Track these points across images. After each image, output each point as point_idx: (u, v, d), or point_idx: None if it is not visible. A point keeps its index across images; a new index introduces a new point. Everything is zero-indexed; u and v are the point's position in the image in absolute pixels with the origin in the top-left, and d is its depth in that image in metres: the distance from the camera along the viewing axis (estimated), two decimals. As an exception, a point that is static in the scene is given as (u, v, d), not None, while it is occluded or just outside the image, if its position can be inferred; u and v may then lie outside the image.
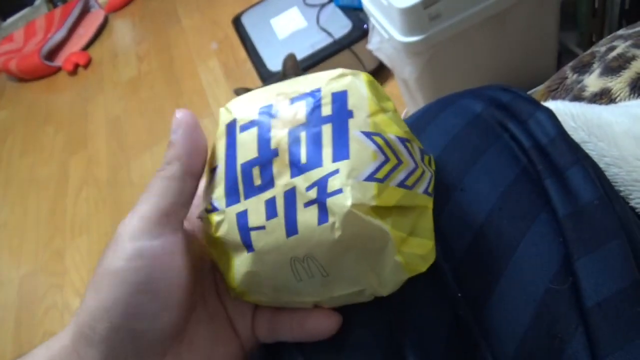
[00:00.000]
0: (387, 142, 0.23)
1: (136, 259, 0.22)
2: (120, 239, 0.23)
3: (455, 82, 0.95)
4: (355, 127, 0.23)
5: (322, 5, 1.32)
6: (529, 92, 0.52)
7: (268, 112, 0.24)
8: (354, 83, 0.24)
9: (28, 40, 2.09)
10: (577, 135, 0.32)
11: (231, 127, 0.25)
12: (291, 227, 0.22)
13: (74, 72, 1.98)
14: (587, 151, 0.31)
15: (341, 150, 0.22)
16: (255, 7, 1.48)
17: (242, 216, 0.23)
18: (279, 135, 0.23)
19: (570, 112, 0.33)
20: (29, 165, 1.70)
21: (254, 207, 0.23)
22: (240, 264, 0.23)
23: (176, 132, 0.24)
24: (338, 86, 0.24)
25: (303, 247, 0.22)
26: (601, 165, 0.30)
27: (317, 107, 0.23)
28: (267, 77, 1.22)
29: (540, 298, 0.24)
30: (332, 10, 1.31)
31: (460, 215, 0.26)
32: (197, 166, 0.25)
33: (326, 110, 0.23)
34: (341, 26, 1.25)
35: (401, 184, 0.23)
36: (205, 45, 1.77)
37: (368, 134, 0.23)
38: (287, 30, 1.33)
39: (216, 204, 0.24)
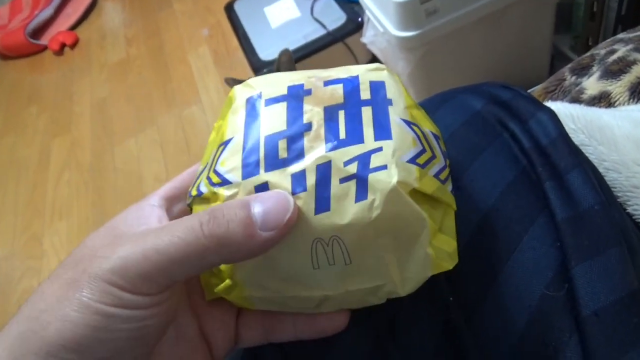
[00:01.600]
0: (424, 134, 0.23)
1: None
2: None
3: (448, 80, 0.95)
4: (395, 113, 0.22)
5: (317, -4, 1.30)
6: (524, 93, 0.51)
7: (300, 89, 0.23)
8: (391, 77, 0.24)
9: (14, 16, 2.03)
10: (577, 137, 0.31)
11: (253, 101, 0.23)
12: (322, 203, 0.20)
13: (60, 52, 1.93)
14: (586, 154, 0.30)
15: (383, 131, 0.21)
16: (249, -5, 1.45)
17: (261, 189, 0.21)
18: (313, 111, 0.22)
19: (570, 114, 0.32)
20: (10, 145, 1.66)
21: (277, 180, 0.20)
22: None
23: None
24: (376, 76, 0.23)
25: (332, 227, 0.20)
26: (600, 169, 0.30)
27: (355, 90, 0.23)
28: (259, 67, 1.20)
29: (535, 304, 0.23)
30: (327, 1, 1.29)
31: (457, 214, 0.25)
32: None
33: (365, 94, 0.23)
34: (335, 18, 1.23)
35: (436, 176, 0.22)
36: (196, 31, 1.74)
37: (408, 122, 0.22)
38: (281, 19, 1.31)
39: (229, 176, 0.21)
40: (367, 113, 0.22)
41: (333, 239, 0.20)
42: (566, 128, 0.31)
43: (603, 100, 0.39)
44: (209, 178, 0.22)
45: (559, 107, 0.33)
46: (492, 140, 0.27)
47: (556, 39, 1.00)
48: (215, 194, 0.21)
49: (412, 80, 0.93)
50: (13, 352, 0.18)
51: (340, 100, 0.22)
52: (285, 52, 1.05)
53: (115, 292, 0.18)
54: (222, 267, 0.22)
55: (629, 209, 0.29)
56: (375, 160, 0.20)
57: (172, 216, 0.24)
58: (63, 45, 1.93)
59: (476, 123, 0.28)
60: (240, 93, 0.24)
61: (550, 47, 0.99)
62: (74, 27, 2.01)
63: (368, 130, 0.21)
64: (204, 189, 0.22)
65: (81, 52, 1.91)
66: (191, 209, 0.24)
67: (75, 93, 1.74)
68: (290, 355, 0.25)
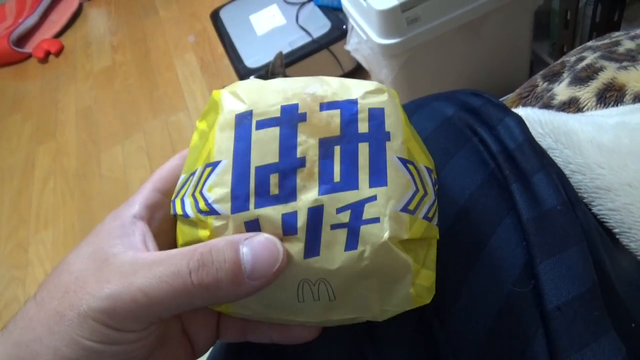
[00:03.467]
0: (418, 172, 0.23)
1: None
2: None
3: (431, 86, 0.96)
4: (392, 151, 0.22)
5: (302, 4, 1.32)
6: (501, 99, 0.53)
7: (294, 112, 0.22)
8: (391, 102, 0.23)
9: (-3, 24, 2.02)
10: (544, 141, 0.33)
11: (243, 120, 0.22)
12: (312, 249, 0.20)
13: (44, 59, 1.92)
14: (553, 158, 0.32)
15: (379, 176, 0.21)
16: (235, 2, 1.46)
17: (252, 226, 0.20)
18: (307, 144, 0.21)
19: (538, 119, 0.34)
20: (-6, 153, 1.64)
21: (268, 220, 0.20)
22: None
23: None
24: (375, 102, 0.22)
25: (320, 271, 0.20)
26: (566, 172, 0.31)
27: (353, 120, 0.22)
28: (245, 74, 1.21)
29: (503, 301, 0.24)
30: (312, 9, 1.31)
31: None
32: None
33: (363, 127, 0.22)
34: (320, 26, 1.25)
35: (425, 217, 0.22)
36: (182, 38, 1.74)
37: (404, 161, 0.22)
38: (266, 27, 1.32)
39: (217, 207, 0.21)
40: (364, 151, 0.21)
41: (320, 281, 0.21)
42: (534, 133, 0.33)
43: (572, 105, 0.41)
44: (195, 199, 0.22)
45: (529, 113, 0.34)
46: (462, 145, 0.29)
47: (535, 45, 1.03)
48: (203, 221, 0.21)
49: (396, 87, 0.95)
50: None
51: (337, 132, 0.22)
52: (279, 56, 1.08)
53: (104, 330, 0.19)
54: None
55: (594, 209, 0.30)
56: (368, 211, 0.20)
57: (154, 225, 0.24)
58: (48, 53, 1.92)
59: (447, 129, 0.29)
60: (228, 103, 0.22)
61: (529, 54, 1.02)
62: (58, 35, 2.01)
63: (363, 174, 0.21)
64: (190, 212, 0.22)
65: (66, 60, 1.90)
66: (176, 217, 0.24)
67: (60, 101, 1.73)
68: (271, 352, 0.26)
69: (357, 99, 0.22)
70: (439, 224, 0.24)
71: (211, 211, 0.21)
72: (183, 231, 0.23)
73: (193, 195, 0.22)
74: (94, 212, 1.34)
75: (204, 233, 0.21)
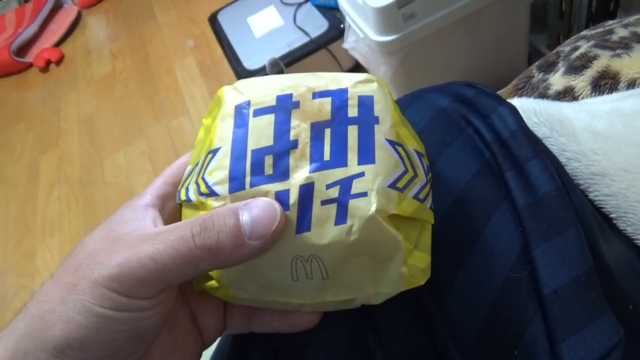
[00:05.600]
0: (408, 154, 0.23)
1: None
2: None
3: (429, 82, 0.96)
4: (380, 133, 0.23)
5: (299, 4, 1.33)
6: (499, 92, 0.53)
7: (288, 101, 0.23)
8: (380, 90, 0.24)
9: (-3, 35, 2.04)
10: (539, 130, 0.33)
11: (242, 109, 0.23)
12: (303, 224, 0.21)
13: (45, 68, 1.93)
14: (549, 146, 0.32)
15: (367, 154, 0.22)
16: (232, 5, 1.47)
17: None
18: (300, 128, 0.23)
19: (533, 109, 0.34)
20: (-2, 163, 1.66)
21: (262, 197, 0.22)
22: None
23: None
24: (365, 90, 0.24)
25: (311, 247, 0.21)
26: (562, 159, 0.31)
27: (343, 106, 0.23)
28: (244, 76, 1.22)
29: (500, 286, 0.24)
30: (309, 9, 1.31)
31: None
32: None
33: (352, 111, 0.23)
34: (318, 25, 1.25)
35: (415, 197, 0.23)
36: (182, 42, 1.75)
37: (392, 143, 0.23)
38: (264, 28, 1.33)
39: (216, 188, 0.22)
40: (352, 133, 0.22)
41: (312, 257, 0.22)
42: (529, 122, 0.33)
43: (568, 94, 0.41)
44: (197, 184, 0.23)
45: (523, 103, 0.35)
46: (457, 135, 0.29)
47: (533, 37, 1.03)
48: (203, 203, 0.22)
49: (394, 84, 0.95)
50: (22, 347, 0.19)
51: (328, 117, 0.23)
52: (272, 63, 1.08)
53: (114, 296, 0.20)
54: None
55: (590, 195, 0.31)
56: (356, 186, 0.21)
57: (165, 214, 0.25)
58: (48, 62, 1.93)
59: (442, 120, 0.30)
60: (229, 97, 0.24)
61: (527, 46, 1.02)
62: (58, 44, 2.02)
63: (352, 154, 0.22)
64: (193, 196, 0.23)
65: (67, 68, 1.91)
66: (181, 206, 0.25)
67: (62, 109, 1.74)
68: (277, 344, 0.27)
69: (347, 87, 0.24)
70: (434, 211, 0.25)
71: (211, 193, 0.22)
72: (186, 215, 0.24)
73: (196, 182, 0.23)
74: (99, 219, 1.35)
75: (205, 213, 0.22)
